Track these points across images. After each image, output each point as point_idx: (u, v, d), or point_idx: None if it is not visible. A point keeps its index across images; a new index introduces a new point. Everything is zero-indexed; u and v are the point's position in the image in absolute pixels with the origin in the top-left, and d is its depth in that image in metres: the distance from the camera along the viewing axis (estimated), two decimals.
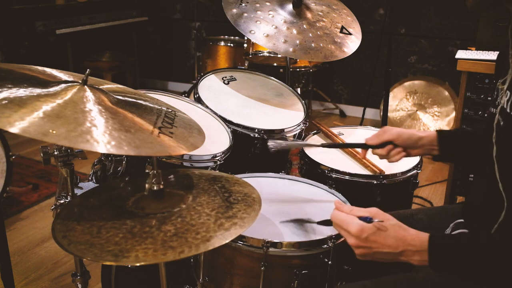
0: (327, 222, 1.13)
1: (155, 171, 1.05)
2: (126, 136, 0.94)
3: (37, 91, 0.98)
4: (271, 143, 1.36)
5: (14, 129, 0.85)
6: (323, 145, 1.47)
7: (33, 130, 0.85)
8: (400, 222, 1.02)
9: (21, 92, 0.95)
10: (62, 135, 0.87)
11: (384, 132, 1.36)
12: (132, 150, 0.92)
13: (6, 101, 0.90)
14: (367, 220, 1.01)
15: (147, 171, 1.41)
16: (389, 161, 1.38)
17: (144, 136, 0.98)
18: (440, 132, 1.34)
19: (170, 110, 1.20)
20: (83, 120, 0.93)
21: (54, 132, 0.87)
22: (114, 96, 1.08)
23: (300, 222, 1.27)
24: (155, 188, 1.06)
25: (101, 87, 1.10)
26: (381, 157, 1.39)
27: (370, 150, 1.42)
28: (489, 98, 2.16)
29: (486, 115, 1.24)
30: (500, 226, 1.04)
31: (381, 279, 1.17)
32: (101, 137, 0.90)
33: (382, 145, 1.36)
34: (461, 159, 1.40)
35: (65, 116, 0.92)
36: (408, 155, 1.37)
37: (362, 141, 1.40)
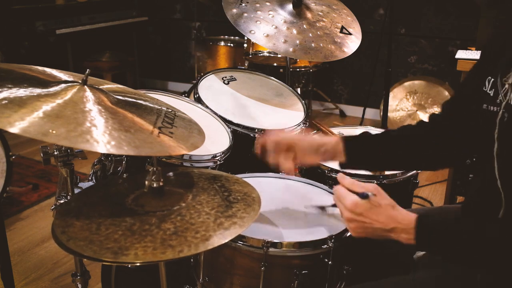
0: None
1: (154, 168, 1.05)
2: (126, 136, 0.94)
3: (37, 91, 0.97)
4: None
5: (14, 129, 0.85)
6: None
7: (33, 130, 0.85)
8: (393, 201, 1.06)
9: (21, 92, 0.95)
10: (62, 135, 0.87)
11: (285, 136, 1.30)
12: (132, 150, 0.92)
13: (6, 101, 0.90)
14: (364, 195, 1.05)
15: (147, 169, 1.41)
16: (283, 171, 1.31)
17: (144, 136, 0.98)
18: (345, 139, 1.29)
19: (170, 110, 1.20)
20: (83, 120, 0.93)
21: (54, 132, 0.87)
22: (114, 96, 1.08)
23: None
24: (154, 185, 1.06)
25: (101, 87, 1.10)
26: (271, 162, 1.31)
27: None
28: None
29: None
30: (499, 223, 1.04)
31: (380, 281, 1.17)
32: (101, 137, 0.90)
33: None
34: (369, 164, 1.34)
35: (65, 116, 0.92)
36: (309, 162, 1.31)
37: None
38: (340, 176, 1.13)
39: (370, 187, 1.07)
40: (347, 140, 1.28)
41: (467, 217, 1.20)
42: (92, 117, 0.95)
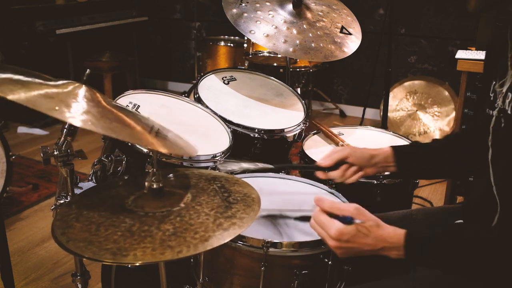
0: (304, 218, 1.17)
1: (154, 170, 1.05)
2: (112, 125, 0.95)
3: (39, 80, 0.99)
4: (221, 167, 1.32)
5: (17, 98, 0.85)
6: (276, 167, 1.39)
7: (38, 103, 0.87)
8: (378, 219, 1.03)
9: (23, 78, 0.97)
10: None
11: (336, 151, 1.32)
12: (106, 131, 0.92)
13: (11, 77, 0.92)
14: (347, 220, 1.01)
15: (147, 170, 1.41)
16: (346, 183, 1.33)
17: (133, 132, 0.98)
18: (395, 148, 1.30)
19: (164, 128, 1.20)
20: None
21: (57, 109, 0.88)
22: (113, 102, 1.08)
23: (274, 218, 1.28)
24: (154, 186, 1.06)
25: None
26: (338, 179, 1.33)
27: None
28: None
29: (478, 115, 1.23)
30: (494, 229, 1.04)
31: (380, 281, 1.17)
32: (79, 116, 0.91)
33: (336, 166, 1.31)
34: (419, 174, 1.37)
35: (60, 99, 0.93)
36: (365, 174, 1.33)
37: (363, 141, 1.39)
38: (317, 199, 1.07)
39: (351, 209, 1.03)
40: (397, 150, 1.29)
41: (470, 221, 1.20)
42: (83, 107, 0.96)
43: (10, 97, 0.84)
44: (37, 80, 0.98)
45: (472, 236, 1.00)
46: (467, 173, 1.48)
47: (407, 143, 1.33)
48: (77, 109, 0.94)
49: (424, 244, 1.00)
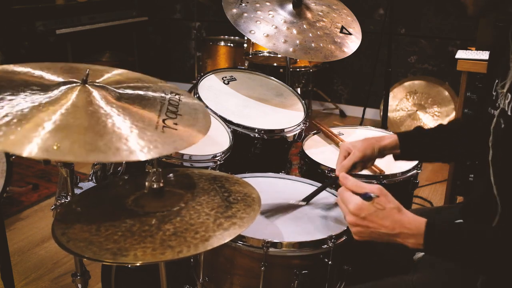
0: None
1: (155, 170, 1.05)
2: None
3: (38, 99, 0.95)
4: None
5: (25, 152, 0.81)
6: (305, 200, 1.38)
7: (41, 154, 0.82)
8: (400, 204, 1.02)
9: (22, 104, 0.92)
10: (80, 153, 0.83)
11: (347, 154, 1.31)
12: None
13: (8, 118, 0.87)
14: (367, 196, 1.01)
15: (147, 170, 1.41)
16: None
17: (149, 135, 0.96)
18: (400, 136, 1.34)
19: (174, 95, 1.16)
20: (102, 127, 0.91)
21: (58, 146, 0.83)
22: (116, 90, 1.06)
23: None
24: (155, 186, 1.06)
25: (101, 79, 1.09)
26: None
27: None
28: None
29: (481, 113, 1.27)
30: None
31: (380, 281, 1.17)
32: (135, 145, 0.89)
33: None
34: (421, 155, 1.41)
35: (74, 125, 0.89)
36: (372, 163, 1.39)
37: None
38: (342, 177, 1.09)
39: (374, 189, 1.03)
40: (403, 137, 1.34)
41: (470, 221, 1.20)
42: (111, 121, 0.93)
43: (26, 154, 0.80)
44: (36, 99, 0.94)
45: (493, 234, 0.98)
46: (467, 157, 1.53)
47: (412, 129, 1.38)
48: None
49: (445, 236, 0.98)
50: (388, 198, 1.02)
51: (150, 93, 1.13)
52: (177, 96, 1.16)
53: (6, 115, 0.88)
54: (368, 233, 1.01)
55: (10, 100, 0.93)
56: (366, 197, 1.01)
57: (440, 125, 1.38)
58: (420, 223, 0.99)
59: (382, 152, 1.33)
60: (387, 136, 1.35)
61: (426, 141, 1.35)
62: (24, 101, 0.93)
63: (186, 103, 1.16)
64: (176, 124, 1.04)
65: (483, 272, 1.03)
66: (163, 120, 1.02)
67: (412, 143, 1.35)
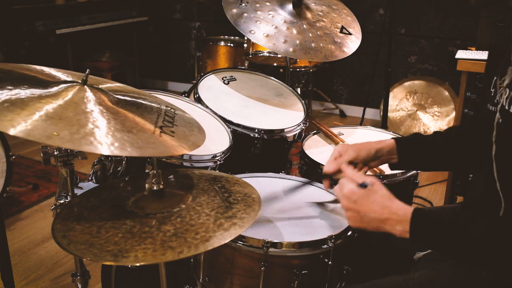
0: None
1: (155, 171, 1.05)
2: (128, 137, 0.94)
3: (38, 92, 0.97)
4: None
5: (18, 132, 0.84)
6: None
7: (36, 134, 0.85)
8: (392, 195, 1.06)
9: (21, 93, 0.95)
10: (65, 138, 0.87)
11: (340, 155, 1.30)
12: (135, 151, 0.92)
13: (8, 104, 0.90)
14: (363, 185, 1.07)
15: (147, 171, 1.41)
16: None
17: (146, 137, 0.98)
18: (398, 141, 1.32)
19: (169, 109, 1.20)
20: (86, 122, 0.93)
21: (57, 134, 0.87)
22: (114, 95, 1.08)
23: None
24: (155, 188, 1.06)
25: (100, 86, 1.10)
26: None
27: None
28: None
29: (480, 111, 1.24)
30: (499, 221, 1.04)
31: (380, 281, 1.17)
32: (104, 139, 0.90)
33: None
34: (419, 165, 1.38)
35: (67, 117, 0.92)
36: (369, 168, 1.35)
37: (363, 141, 1.39)
38: (344, 166, 1.18)
39: (370, 180, 1.08)
40: (400, 143, 1.32)
41: (466, 212, 1.20)
42: (94, 118, 0.95)
43: (12, 132, 0.83)
44: (36, 92, 0.97)
45: (481, 225, 0.99)
46: (466, 168, 1.50)
47: (409, 135, 1.35)
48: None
49: (431, 223, 1.00)
50: (381, 187, 1.07)
51: (148, 103, 1.16)
52: (172, 110, 1.21)
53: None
54: (360, 218, 1.06)
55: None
56: (362, 185, 1.08)
57: (437, 133, 1.37)
58: (408, 210, 1.02)
59: (379, 155, 1.32)
60: (385, 140, 1.34)
61: (424, 149, 1.32)
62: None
63: (182, 116, 1.20)
64: (173, 132, 1.07)
65: (474, 264, 1.02)
66: (161, 127, 1.05)
67: (410, 149, 1.33)
